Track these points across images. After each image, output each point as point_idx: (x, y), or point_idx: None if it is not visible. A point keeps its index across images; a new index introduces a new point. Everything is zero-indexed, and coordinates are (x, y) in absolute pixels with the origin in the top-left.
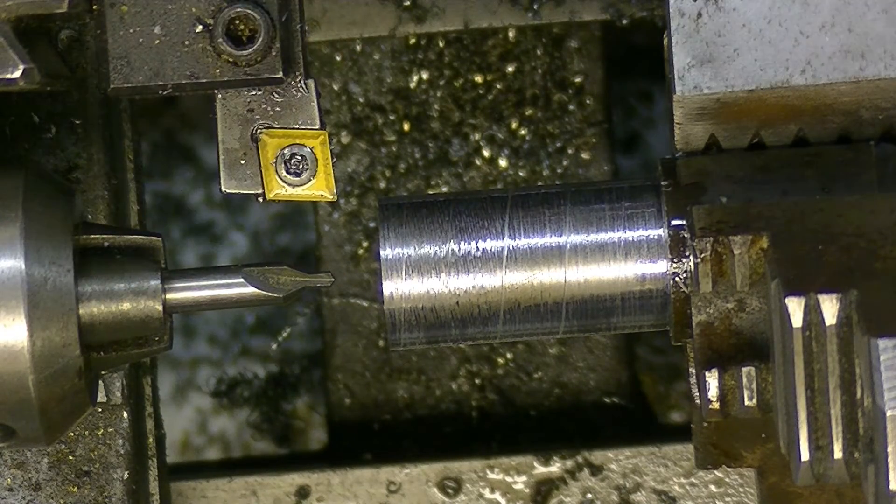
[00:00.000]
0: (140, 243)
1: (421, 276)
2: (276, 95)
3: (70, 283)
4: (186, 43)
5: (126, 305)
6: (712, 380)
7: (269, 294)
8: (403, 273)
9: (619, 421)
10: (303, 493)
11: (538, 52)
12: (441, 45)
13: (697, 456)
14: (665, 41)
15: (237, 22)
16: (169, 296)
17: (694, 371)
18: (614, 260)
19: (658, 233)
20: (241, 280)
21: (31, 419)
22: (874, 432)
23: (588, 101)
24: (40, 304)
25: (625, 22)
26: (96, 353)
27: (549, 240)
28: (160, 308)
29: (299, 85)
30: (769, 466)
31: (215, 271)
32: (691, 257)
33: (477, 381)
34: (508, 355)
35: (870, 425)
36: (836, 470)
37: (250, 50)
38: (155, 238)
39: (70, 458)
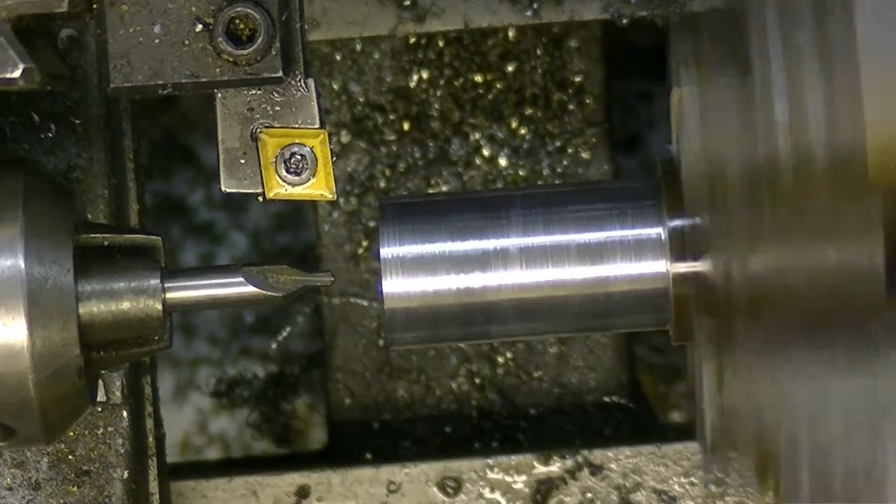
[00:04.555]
0: (140, 243)
1: (421, 275)
2: (276, 95)
3: (70, 282)
4: (186, 42)
5: (126, 305)
6: None
7: (269, 293)
8: (403, 273)
9: (619, 421)
10: (303, 492)
11: (538, 52)
12: (441, 44)
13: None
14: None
15: (237, 21)
16: (169, 295)
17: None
18: (614, 260)
19: (658, 232)
20: (241, 279)
21: (31, 419)
22: None
23: (588, 101)
24: (40, 303)
25: (625, 22)
26: (96, 352)
27: (549, 239)
28: (160, 307)
29: (299, 84)
30: None
31: (215, 271)
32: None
33: (477, 380)
34: (508, 355)
35: None
36: None
37: (250, 49)
38: (155, 238)
39: (70, 457)
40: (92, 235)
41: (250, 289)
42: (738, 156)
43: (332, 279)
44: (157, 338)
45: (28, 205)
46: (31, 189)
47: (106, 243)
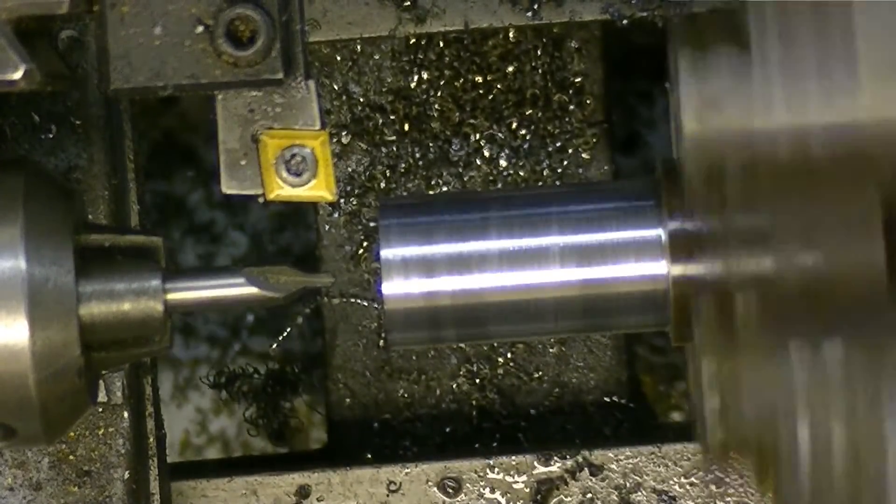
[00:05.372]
0: (141, 244)
1: (421, 276)
2: (277, 96)
3: (71, 283)
4: (187, 44)
5: (127, 305)
6: None
7: (270, 294)
8: (403, 273)
9: (619, 421)
10: (303, 492)
11: (538, 53)
12: (441, 45)
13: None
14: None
15: (237, 23)
16: (169, 296)
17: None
18: (614, 260)
19: (658, 233)
20: (242, 280)
21: (32, 419)
22: None
23: (588, 101)
24: (41, 304)
25: (625, 22)
26: (97, 352)
27: (549, 239)
28: (161, 308)
29: (300, 86)
30: None
31: (216, 272)
32: None
33: (477, 380)
34: (508, 355)
35: None
36: None
37: (251, 51)
38: (155, 238)
39: (71, 457)
40: (93, 236)
41: (251, 290)
42: (737, 153)
43: (333, 280)
44: (157, 338)
45: (29, 205)
46: (32, 190)
47: (107, 244)
